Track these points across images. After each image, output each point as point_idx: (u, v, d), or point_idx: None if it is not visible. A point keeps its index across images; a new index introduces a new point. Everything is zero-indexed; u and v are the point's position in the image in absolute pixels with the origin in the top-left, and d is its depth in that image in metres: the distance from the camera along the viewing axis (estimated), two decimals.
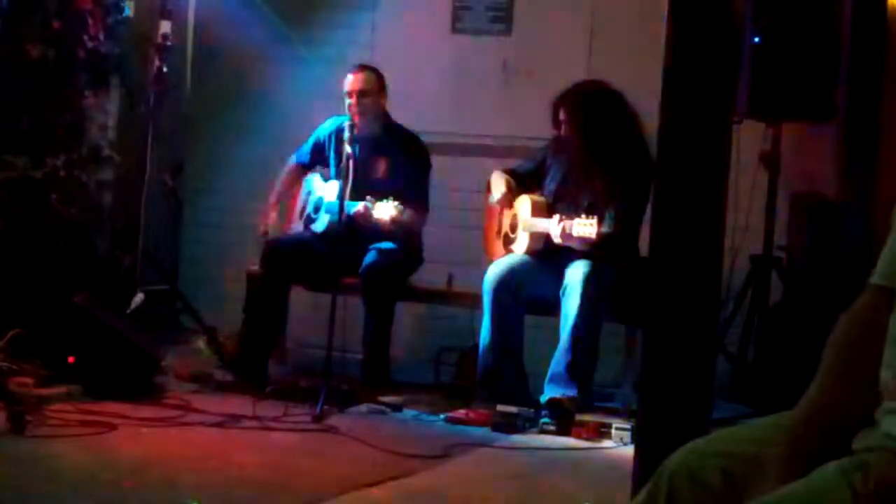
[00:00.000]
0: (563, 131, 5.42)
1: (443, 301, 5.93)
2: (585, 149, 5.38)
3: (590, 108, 5.37)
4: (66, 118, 6.12)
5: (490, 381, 5.30)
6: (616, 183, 5.22)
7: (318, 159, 6.02)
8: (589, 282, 5.09)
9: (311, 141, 6.01)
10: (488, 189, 5.67)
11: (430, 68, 6.65)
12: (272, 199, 6.07)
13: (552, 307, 5.27)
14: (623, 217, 5.21)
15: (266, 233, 5.93)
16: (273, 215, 6.02)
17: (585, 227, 4.98)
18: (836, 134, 5.88)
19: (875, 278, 1.74)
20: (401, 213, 5.32)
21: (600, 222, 5.05)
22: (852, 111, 5.79)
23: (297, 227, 5.99)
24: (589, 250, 5.15)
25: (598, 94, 5.41)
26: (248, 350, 5.59)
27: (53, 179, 6.01)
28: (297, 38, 6.77)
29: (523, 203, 5.49)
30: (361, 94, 5.70)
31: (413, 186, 5.66)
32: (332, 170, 5.83)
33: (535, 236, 5.36)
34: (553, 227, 5.14)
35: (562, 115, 5.40)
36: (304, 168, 6.09)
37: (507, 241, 5.58)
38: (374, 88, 5.76)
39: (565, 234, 5.07)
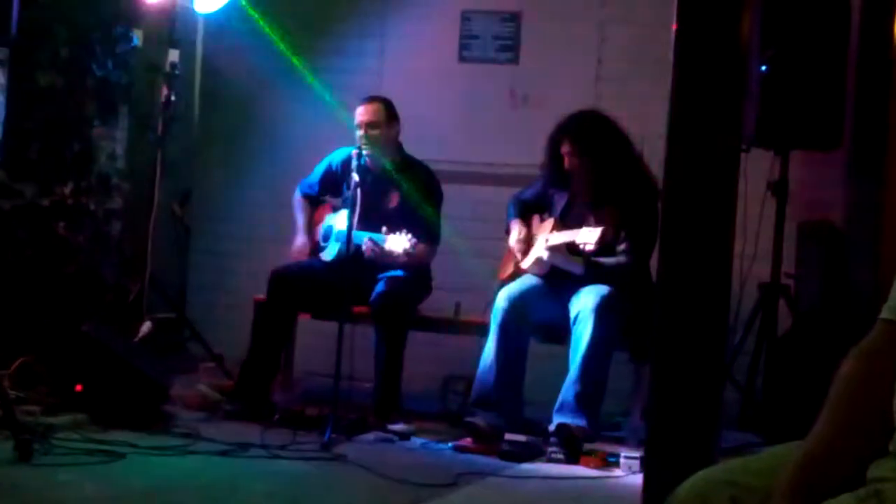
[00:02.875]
0: (567, 164, 5.40)
1: (450, 330, 5.93)
2: (592, 180, 5.38)
3: (592, 138, 5.36)
4: (74, 146, 6.14)
5: (485, 402, 5.28)
6: (625, 213, 5.21)
7: (329, 189, 5.98)
8: (602, 312, 5.08)
9: (321, 171, 5.98)
10: (507, 232, 5.68)
11: (437, 96, 6.67)
12: (299, 233, 6.02)
13: (560, 334, 5.27)
14: (635, 248, 5.22)
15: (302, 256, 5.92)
16: (300, 239, 5.99)
17: (591, 234, 5.03)
18: (843, 162, 5.89)
19: (885, 313, 1.74)
20: (413, 246, 5.31)
21: (611, 254, 5.10)
22: (859, 140, 5.80)
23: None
24: (586, 269, 5.20)
25: (597, 123, 5.41)
26: (251, 377, 5.58)
27: (61, 207, 6.03)
28: (305, 66, 6.78)
29: (543, 228, 5.51)
30: (370, 125, 5.70)
31: (424, 219, 5.64)
32: (343, 199, 5.83)
33: (554, 249, 5.35)
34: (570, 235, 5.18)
35: (564, 149, 5.38)
36: (313, 199, 6.05)
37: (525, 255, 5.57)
38: (383, 120, 5.74)
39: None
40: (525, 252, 5.55)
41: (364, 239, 5.39)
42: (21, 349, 5.18)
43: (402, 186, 5.74)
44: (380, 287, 5.51)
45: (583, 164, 5.37)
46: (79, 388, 4.99)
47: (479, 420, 5.17)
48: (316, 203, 6.05)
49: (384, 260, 5.42)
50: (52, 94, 6.00)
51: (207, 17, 6.52)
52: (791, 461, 1.69)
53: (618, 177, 5.33)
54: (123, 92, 6.34)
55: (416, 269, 5.63)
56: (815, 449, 1.70)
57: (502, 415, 5.21)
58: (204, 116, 6.63)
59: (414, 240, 5.30)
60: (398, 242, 5.29)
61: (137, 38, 6.38)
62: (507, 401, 5.28)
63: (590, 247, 5.05)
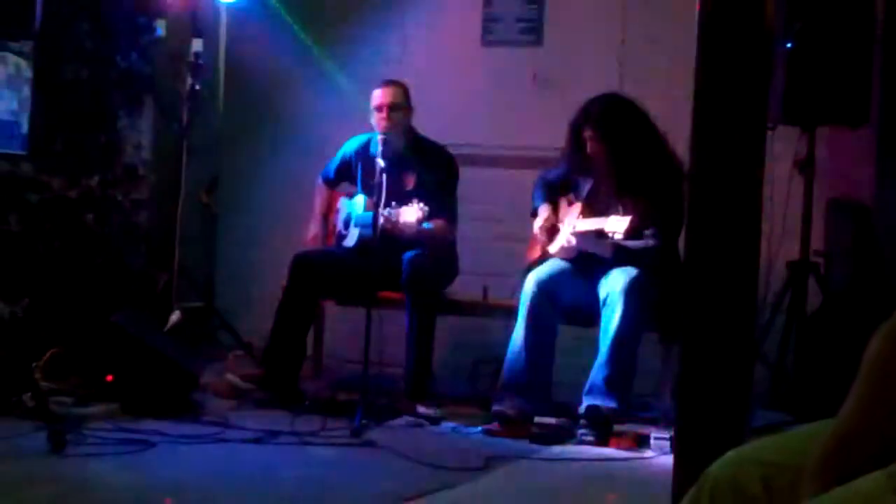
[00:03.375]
0: (589, 149, 5.37)
1: (478, 313, 5.93)
2: (616, 165, 5.35)
3: (615, 123, 5.33)
4: (100, 138, 6.17)
5: (515, 386, 5.28)
6: (652, 197, 5.19)
7: (344, 176, 6.04)
8: (631, 294, 5.07)
9: (337, 159, 6.04)
10: (533, 215, 5.67)
11: (460, 81, 6.66)
12: (313, 220, 6.07)
13: (588, 317, 5.27)
14: (663, 231, 5.20)
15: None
16: (314, 228, 6.03)
17: (620, 223, 5.02)
18: (870, 138, 5.85)
19: None
20: (424, 212, 5.30)
21: (639, 237, 5.10)
22: (887, 116, 5.76)
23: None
24: (613, 254, 5.21)
25: (619, 108, 5.37)
26: (274, 362, 5.60)
27: (89, 199, 6.06)
28: (328, 54, 6.79)
29: (571, 213, 5.50)
30: (392, 107, 5.71)
31: (440, 198, 5.64)
32: (359, 184, 5.86)
33: (581, 235, 5.34)
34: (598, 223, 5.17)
35: (587, 134, 5.36)
36: (330, 184, 6.12)
37: (552, 239, 5.57)
38: (402, 102, 5.78)
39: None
40: (552, 236, 5.54)
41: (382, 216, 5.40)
42: (52, 340, 5.22)
43: (418, 168, 5.75)
44: (408, 268, 5.52)
45: (605, 150, 5.34)
46: (109, 378, 5.03)
47: (507, 407, 5.17)
48: (334, 187, 6.13)
49: (402, 233, 5.41)
50: (78, 87, 6.03)
51: (230, 6, 6.53)
52: (821, 440, 1.69)
53: (642, 161, 5.30)
54: (148, 82, 6.36)
55: (440, 248, 5.62)
56: (845, 427, 1.69)
57: (532, 399, 5.21)
58: (228, 105, 6.64)
59: (426, 208, 5.28)
60: (410, 213, 5.28)
61: (161, 28, 6.40)
62: (536, 385, 5.28)
63: (619, 236, 5.04)
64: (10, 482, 3.75)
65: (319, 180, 6.13)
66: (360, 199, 5.83)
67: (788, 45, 5.37)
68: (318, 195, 6.14)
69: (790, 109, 5.41)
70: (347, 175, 6.02)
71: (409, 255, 5.55)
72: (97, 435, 4.39)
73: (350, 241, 5.83)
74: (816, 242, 5.67)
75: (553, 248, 5.50)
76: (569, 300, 5.35)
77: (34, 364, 4.83)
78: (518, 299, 5.35)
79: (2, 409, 4.57)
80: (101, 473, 3.95)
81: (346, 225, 5.92)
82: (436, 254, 5.63)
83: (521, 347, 5.28)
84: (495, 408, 5.21)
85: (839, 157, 5.83)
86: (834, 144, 5.76)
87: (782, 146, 5.18)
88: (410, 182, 5.73)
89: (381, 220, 5.29)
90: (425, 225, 5.39)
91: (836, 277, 5.75)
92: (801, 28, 5.36)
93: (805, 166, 5.56)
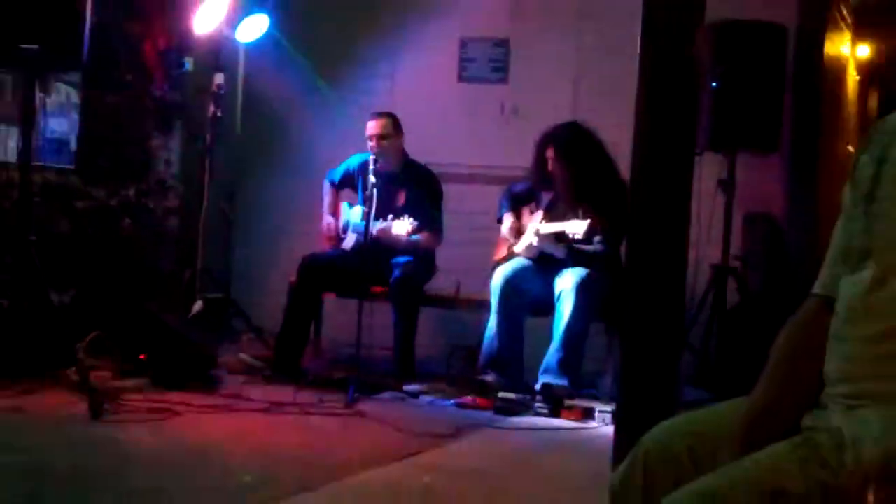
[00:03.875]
0: (550, 166, 5.39)
1: (453, 306, 5.91)
2: (572, 180, 5.36)
3: (573, 146, 5.35)
4: (136, 155, 6.14)
5: (492, 365, 5.28)
6: (600, 209, 5.18)
7: (347, 184, 6.02)
8: (581, 291, 5.09)
9: (342, 168, 6.02)
10: (498, 221, 5.68)
11: (440, 111, 6.64)
12: (325, 214, 6.05)
13: (546, 308, 5.27)
14: (609, 238, 5.21)
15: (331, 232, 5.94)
16: (326, 220, 6.01)
17: (579, 225, 5.03)
18: (781, 163, 5.87)
19: (816, 289, 1.74)
20: (414, 226, 5.31)
21: (590, 243, 5.16)
22: (795, 143, 5.79)
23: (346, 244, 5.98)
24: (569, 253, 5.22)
25: (577, 133, 5.39)
26: (285, 347, 5.58)
27: (126, 207, 6.04)
28: (330, 86, 6.77)
29: (533, 219, 5.50)
30: (380, 137, 5.72)
31: (428, 214, 5.64)
32: (360, 196, 5.85)
33: (543, 236, 5.33)
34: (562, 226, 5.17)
35: (549, 153, 5.38)
36: (334, 186, 6.07)
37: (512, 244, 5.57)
38: (391, 132, 5.77)
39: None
40: (517, 238, 5.55)
41: (376, 226, 5.40)
42: (94, 324, 5.18)
43: (408, 186, 5.75)
44: (396, 273, 5.51)
45: (563, 167, 5.36)
46: (142, 356, 4.99)
47: (489, 377, 5.20)
48: (338, 190, 6.08)
49: (393, 241, 5.42)
50: (118, 112, 6.00)
51: (248, 45, 6.51)
52: (739, 414, 1.69)
53: (593, 178, 5.32)
54: (178, 109, 6.34)
55: (423, 254, 5.64)
56: (759, 403, 1.69)
57: (506, 375, 5.22)
58: (245, 129, 6.61)
59: (416, 223, 5.32)
60: (401, 226, 5.34)
61: (189, 63, 6.38)
62: (510, 363, 5.29)
63: (578, 235, 5.05)
64: (58, 443, 3.73)
65: (326, 183, 6.09)
66: (357, 210, 5.84)
67: (714, 84, 5.38)
68: (326, 195, 6.07)
69: (714, 138, 5.43)
70: (350, 184, 6.00)
71: (398, 261, 5.54)
72: (131, 404, 4.36)
73: (348, 244, 5.84)
74: (735, 249, 5.69)
75: (518, 247, 5.51)
76: (530, 292, 5.35)
77: (78, 344, 4.79)
78: (487, 293, 5.36)
79: (51, 382, 4.53)
80: (133, 437, 3.92)
81: (345, 230, 5.92)
82: (421, 261, 5.62)
83: (494, 332, 5.29)
84: (479, 377, 5.24)
85: (754, 178, 5.84)
86: (750, 167, 5.77)
87: (708, 169, 5.19)
88: (402, 198, 5.72)
89: (375, 230, 5.34)
90: (413, 237, 5.42)
91: (751, 278, 5.77)
92: (724, 71, 5.38)
93: (726, 185, 5.58)
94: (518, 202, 5.67)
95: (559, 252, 5.30)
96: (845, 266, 1.67)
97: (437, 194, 5.83)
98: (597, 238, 5.21)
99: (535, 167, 5.48)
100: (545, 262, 5.37)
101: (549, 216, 5.41)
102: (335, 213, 6.08)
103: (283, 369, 5.41)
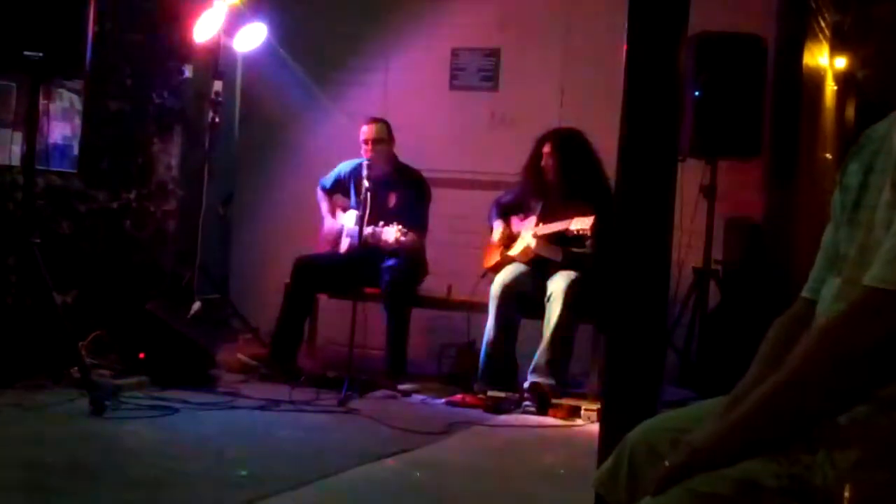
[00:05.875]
0: (543, 162, 5.44)
1: (444, 307, 5.92)
2: (564, 176, 5.40)
3: (568, 144, 5.42)
4: (138, 159, 6.12)
5: (490, 372, 5.29)
6: (589, 211, 5.20)
7: (338, 190, 6.03)
8: (569, 292, 5.10)
9: (333, 175, 6.03)
10: (490, 229, 5.70)
11: (432, 118, 6.65)
12: (325, 219, 6.05)
13: (537, 309, 5.27)
14: (598, 241, 5.22)
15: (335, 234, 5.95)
16: (327, 223, 6.02)
17: (584, 221, 5.07)
18: (762, 170, 5.88)
19: (804, 292, 1.76)
20: (402, 234, 5.34)
21: (581, 246, 5.19)
22: (775, 151, 5.80)
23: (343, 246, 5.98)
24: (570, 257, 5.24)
25: (574, 137, 5.46)
26: (280, 345, 5.58)
27: (127, 209, 6.02)
28: (326, 94, 6.78)
29: (526, 225, 5.52)
30: (375, 141, 5.72)
31: (416, 214, 5.68)
32: (353, 200, 5.85)
33: (541, 239, 5.34)
34: (563, 225, 5.20)
35: (546, 149, 5.44)
36: (327, 192, 6.08)
37: (507, 248, 5.58)
38: (385, 136, 5.79)
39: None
40: (509, 244, 5.56)
41: (367, 231, 5.40)
42: (96, 324, 5.17)
43: (398, 189, 5.76)
44: (386, 277, 5.52)
45: (557, 161, 5.40)
46: (142, 355, 4.99)
47: (485, 385, 5.20)
48: (331, 196, 6.09)
49: (382, 245, 5.44)
50: (120, 118, 5.98)
51: (245, 54, 6.50)
52: (725, 398, 1.69)
53: (582, 179, 5.35)
54: (177, 115, 6.32)
55: (412, 255, 5.63)
56: (746, 388, 1.69)
57: (503, 383, 5.22)
58: (243, 134, 6.61)
59: (404, 230, 5.35)
60: (391, 233, 5.37)
61: (188, 71, 6.36)
62: (507, 371, 5.32)
63: (585, 231, 5.07)
64: (60, 438, 3.73)
65: (319, 189, 6.10)
66: (350, 214, 5.84)
67: (696, 93, 5.40)
68: (322, 201, 6.09)
69: (697, 145, 5.45)
70: (341, 190, 6.01)
71: (388, 265, 5.54)
72: (131, 402, 4.36)
73: (342, 247, 5.84)
74: (717, 253, 5.70)
75: (514, 252, 5.51)
76: (526, 296, 5.36)
77: (80, 343, 4.78)
78: (477, 295, 5.37)
79: (54, 379, 4.53)
80: (133, 433, 3.92)
81: (339, 234, 5.92)
82: (410, 260, 5.62)
83: (492, 341, 5.31)
84: (477, 386, 5.24)
85: (735, 183, 5.86)
86: (731, 174, 5.79)
87: (690, 174, 5.20)
88: (393, 200, 5.73)
89: (366, 234, 5.35)
90: (402, 238, 5.42)
91: (732, 281, 5.78)
92: (707, 80, 5.40)
93: (708, 191, 5.59)
94: (507, 211, 5.72)
95: (556, 255, 5.32)
96: (830, 271, 1.68)
97: (426, 195, 5.85)
98: (587, 241, 5.22)
99: (530, 162, 5.53)
100: (540, 266, 5.38)
101: (544, 219, 5.42)
102: (335, 215, 6.08)
103: (279, 368, 5.40)
